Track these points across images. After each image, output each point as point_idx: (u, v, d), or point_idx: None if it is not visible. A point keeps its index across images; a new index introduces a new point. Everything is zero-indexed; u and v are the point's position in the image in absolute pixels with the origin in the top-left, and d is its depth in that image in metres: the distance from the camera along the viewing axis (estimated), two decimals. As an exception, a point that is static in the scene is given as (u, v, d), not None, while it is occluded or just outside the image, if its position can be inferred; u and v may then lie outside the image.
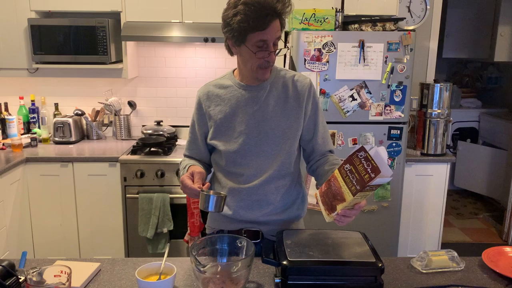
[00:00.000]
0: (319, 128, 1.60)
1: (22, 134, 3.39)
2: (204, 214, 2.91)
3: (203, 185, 1.42)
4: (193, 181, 1.43)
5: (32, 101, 3.47)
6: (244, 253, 1.35)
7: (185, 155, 1.70)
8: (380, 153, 1.22)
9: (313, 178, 1.63)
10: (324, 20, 2.74)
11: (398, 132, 2.85)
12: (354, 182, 1.22)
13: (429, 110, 3.11)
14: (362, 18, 2.84)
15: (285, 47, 1.48)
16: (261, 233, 1.60)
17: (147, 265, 1.33)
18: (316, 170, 1.60)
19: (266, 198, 1.58)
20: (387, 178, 1.18)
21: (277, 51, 1.46)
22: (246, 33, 1.41)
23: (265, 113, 1.54)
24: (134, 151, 3.06)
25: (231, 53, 1.53)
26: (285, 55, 3.08)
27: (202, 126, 1.61)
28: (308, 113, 1.58)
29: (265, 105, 1.54)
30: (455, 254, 1.51)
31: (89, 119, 3.44)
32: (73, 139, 3.31)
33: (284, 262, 1.27)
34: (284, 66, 3.06)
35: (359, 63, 2.74)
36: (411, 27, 3.19)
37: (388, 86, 2.78)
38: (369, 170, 1.18)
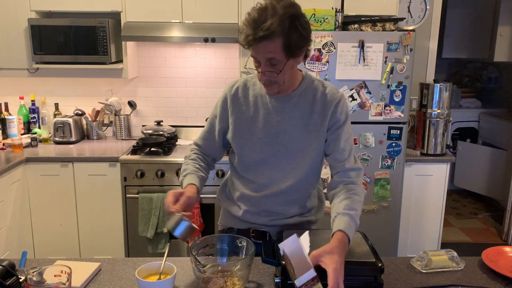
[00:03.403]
0: (340, 144, 1.49)
1: (22, 134, 3.39)
2: (204, 214, 2.91)
3: (185, 211, 1.38)
4: (176, 201, 1.39)
5: (32, 101, 3.47)
6: (244, 253, 1.35)
7: (196, 144, 1.67)
8: (297, 245, 1.16)
9: (328, 185, 1.60)
10: (324, 20, 2.74)
11: (398, 132, 2.85)
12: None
13: (429, 110, 3.11)
14: (362, 18, 2.84)
15: (279, 72, 1.38)
16: (268, 234, 1.60)
17: (147, 265, 1.33)
18: (332, 200, 1.50)
19: (275, 209, 1.58)
20: (309, 273, 1.13)
21: (266, 73, 1.37)
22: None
23: (287, 125, 1.50)
24: (134, 151, 3.06)
25: None
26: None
27: (223, 121, 1.58)
28: (331, 129, 1.50)
29: (289, 117, 1.50)
30: (455, 254, 1.52)
31: (89, 119, 3.44)
32: (73, 139, 3.31)
33: (284, 262, 1.27)
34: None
35: (359, 63, 2.74)
36: (411, 27, 3.19)
37: (388, 86, 2.78)
38: (292, 270, 1.15)
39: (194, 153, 1.65)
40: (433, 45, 3.46)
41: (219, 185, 1.77)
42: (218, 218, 1.78)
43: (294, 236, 1.18)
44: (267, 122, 1.51)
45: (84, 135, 3.48)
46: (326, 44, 2.71)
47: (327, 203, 2.86)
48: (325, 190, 1.60)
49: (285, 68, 1.38)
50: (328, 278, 1.15)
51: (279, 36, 1.30)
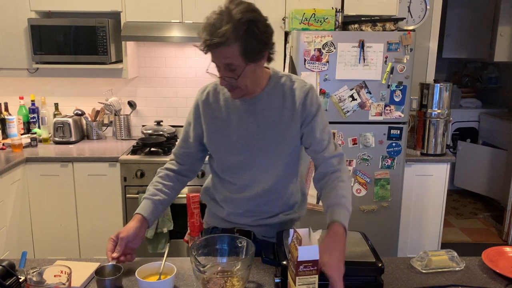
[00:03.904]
0: (316, 135, 1.49)
1: (22, 134, 3.39)
2: (203, 215, 2.91)
3: (125, 254, 1.41)
4: (115, 245, 1.40)
5: (32, 101, 3.47)
6: (244, 253, 1.35)
7: (173, 153, 1.67)
8: (310, 232, 1.17)
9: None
10: (324, 20, 2.74)
11: (398, 132, 2.85)
12: (292, 268, 1.17)
13: (429, 110, 3.11)
14: (362, 18, 2.84)
15: (237, 78, 1.36)
16: (253, 233, 1.60)
17: (147, 265, 1.33)
18: (320, 192, 1.51)
19: (259, 209, 1.58)
20: (313, 249, 1.12)
21: (226, 78, 1.37)
22: None
23: (261, 125, 1.50)
24: (134, 151, 3.06)
25: None
26: (285, 55, 3.08)
27: (197, 127, 1.58)
28: (305, 122, 1.49)
29: (261, 117, 1.50)
30: (455, 254, 1.52)
31: (89, 119, 3.44)
32: (73, 139, 3.31)
33: (284, 262, 1.27)
34: (284, 66, 3.06)
35: (359, 63, 2.74)
36: (411, 27, 3.19)
37: (388, 86, 2.78)
38: (297, 245, 1.14)
39: (165, 168, 1.64)
40: (433, 45, 3.46)
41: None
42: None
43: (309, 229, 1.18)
44: (240, 124, 1.51)
45: (84, 135, 3.48)
46: (326, 44, 2.71)
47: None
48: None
49: (245, 73, 1.36)
50: (329, 278, 1.16)
51: (235, 42, 1.28)
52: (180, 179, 1.64)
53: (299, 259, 1.12)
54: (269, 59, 1.42)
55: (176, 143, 1.67)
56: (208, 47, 1.30)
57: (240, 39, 1.28)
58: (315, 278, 1.15)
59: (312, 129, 1.49)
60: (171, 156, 1.68)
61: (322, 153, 1.50)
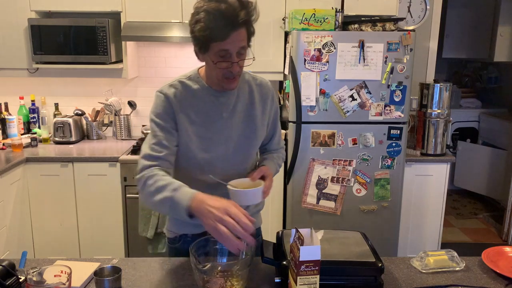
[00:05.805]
0: (277, 132, 1.66)
1: (22, 134, 3.40)
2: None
3: None
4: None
5: (32, 101, 3.47)
6: (244, 253, 1.34)
7: (152, 159, 1.44)
8: (312, 232, 1.19)
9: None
10: (324, 20, 2.74)
11: (398, 132, 2.85)
12: (293, 267, 1.17)
13: (429, 110, 3.11)
14: (362, 18, 2.84)
15: (253, 58, 1.40)
16: None
17: (236, 180, 1.45)
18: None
19: None
20: (314, 249, 1.13)
21: (242, 61, 1.39)
22: (208, 43, 1.34)
23: (233, 120, 1.50)
24: (134, 151, 3.06)
25: (199, 59, 1.49)
26: (285, 55, 3.08)
27: (171, 123, 1.47)
28: (271, 118, 1.61)
29: (234, 112, 1.50)
30: (455, 254, 1.52)
31: (89, 119, 3.44)
32: (73, 139, 3.31)
33: (284, 262, 1.28)
34: (284, 67, 3.06)
35: (359, 63, 2.74)
36: (411, 27, 3.19)
37: (388, 86, 2.78)
38: (299, 245, 1.15)
39: (156, 169, 1.42)
40: (433, 45, 3.46)
41: None
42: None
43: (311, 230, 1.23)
44: (214, 121, 1.49)
45: (84, 135, 3.48)
46: (326, 44, 2.71)
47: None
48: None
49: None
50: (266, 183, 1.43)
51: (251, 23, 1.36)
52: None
53: (300, 259, 1.13)
54: None
55: (154, 147, 1.45)
56: (243, 23, 1.32)
57: (251, 21, 1.36)
58: (316, 278, 1.15)
59: (275, 125, 1.65)
60: (148, 163, 1.43)
61: (276, 147, 1.70)
